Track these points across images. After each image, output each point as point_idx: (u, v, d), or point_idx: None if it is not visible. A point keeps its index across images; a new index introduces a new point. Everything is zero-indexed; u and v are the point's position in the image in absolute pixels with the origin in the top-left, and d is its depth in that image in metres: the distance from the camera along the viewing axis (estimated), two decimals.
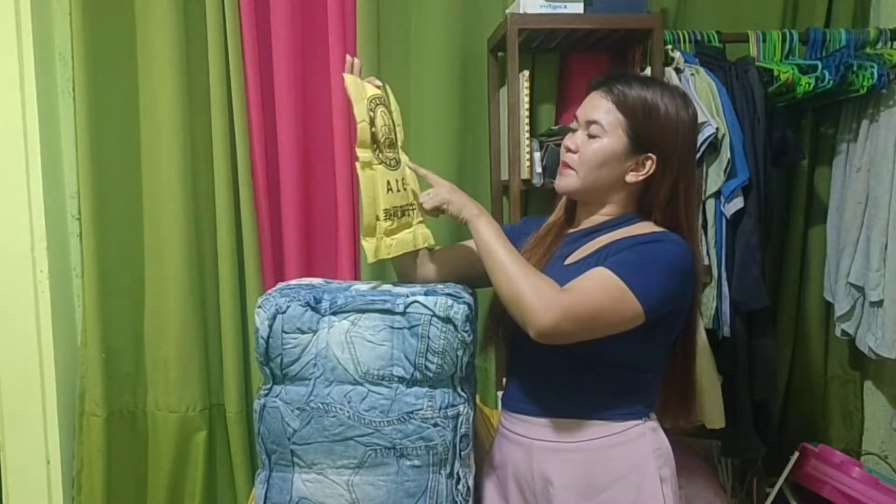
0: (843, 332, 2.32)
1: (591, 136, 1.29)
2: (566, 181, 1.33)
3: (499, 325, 1.40)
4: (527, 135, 2.00)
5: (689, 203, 1.31)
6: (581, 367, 1.27)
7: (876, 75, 2.07)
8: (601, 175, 1.30)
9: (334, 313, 1.31)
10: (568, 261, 1.33)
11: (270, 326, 1.30)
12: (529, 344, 1.20)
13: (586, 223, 1.36)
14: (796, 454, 2.29)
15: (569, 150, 1.32)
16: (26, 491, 2.18)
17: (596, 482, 1.27)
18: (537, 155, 2.04)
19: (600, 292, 1.17)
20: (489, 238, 1.26)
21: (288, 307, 1.30)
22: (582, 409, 1.28)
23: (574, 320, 1.15)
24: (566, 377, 1.29)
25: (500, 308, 1.32)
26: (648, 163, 1.28)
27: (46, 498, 2.19)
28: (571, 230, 1.40)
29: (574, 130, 1.35)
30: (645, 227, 1.30)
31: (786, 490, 2.30)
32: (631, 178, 1.30)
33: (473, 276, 1.40)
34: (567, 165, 1.32)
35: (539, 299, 1.15)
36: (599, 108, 1.29)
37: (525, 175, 2.01)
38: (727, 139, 1.97)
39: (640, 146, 1.28)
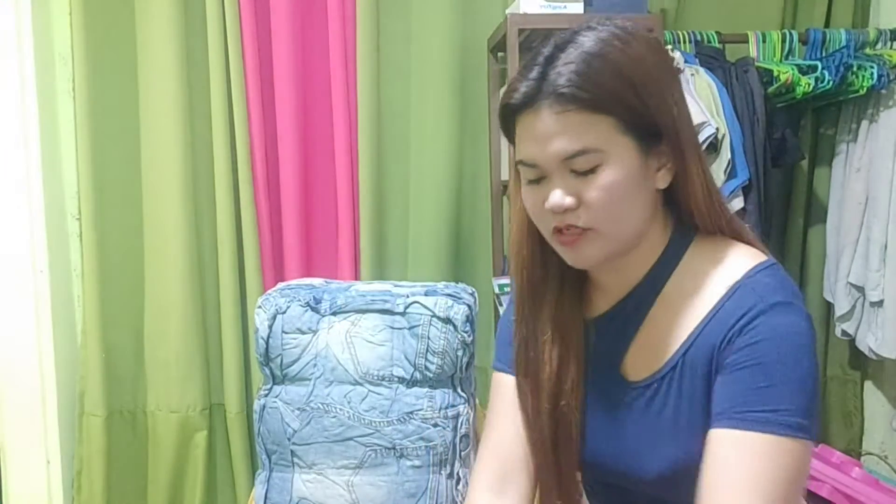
0: (843, 332, 2.32)
1: (582, 174, 0.79)
2: (589, 250, 0.82)
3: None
4: None
5: (713, 184, 0.85)
6: None
7: (876, 76, 2.07)
8: (627, 210, 0.81)
9: (334, 314, 1.31)
10: (629, 373, 0.87)
11: (270, 327, 1.30)
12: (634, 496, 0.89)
13: (615, 288, 0.88)
14: None
15: (564, 211, 0.80)
16: (26, 491, 2.18)
17: None
18: None
19: (766, 476, 0.74)
20: None
21: (288, 307, 1.31)
22: None
23: None
24: None
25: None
26: (664, 149, 0.83)
27: (46, 498, 2.19)
28: (594, 307, 0.91)
29: (530, 184, 0.85)
30: (698, 267, 0.84)
31: None
32: (661, 182, 0.84)
33: None
34: (575, 228, 0.81)
35: None
36: (571, 130, 0.78)
37: None
38: (727, 139, 1.97)
39: (648, 135, 0.81)
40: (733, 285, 0.79)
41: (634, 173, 0.80)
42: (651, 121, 0.80)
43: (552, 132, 0.78)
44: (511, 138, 0.86)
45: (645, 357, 0.85)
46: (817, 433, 0.78)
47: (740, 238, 0.85)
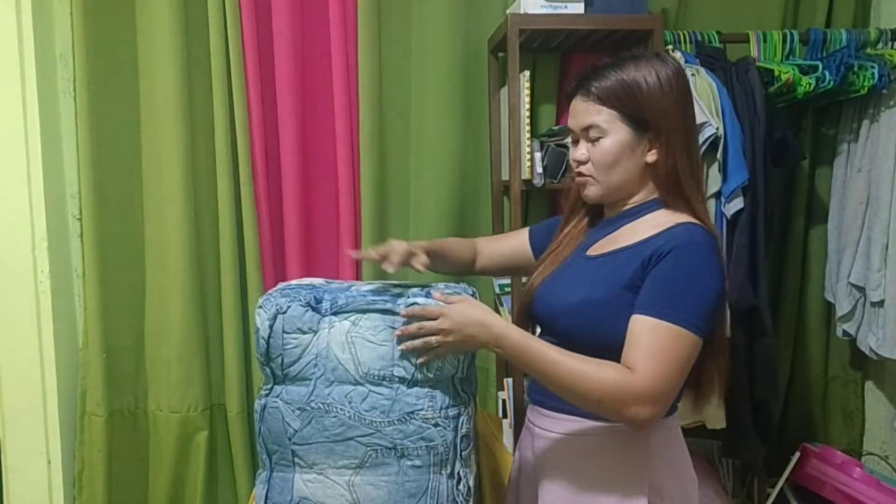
0: (844, 333, 2.32)
1: (593, 141, 1.25)
2: (589, 191, 1.29)
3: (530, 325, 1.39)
4: (527, 135, 2.00)
5: (692, 171, 1.25)
6: None
7: (876, 75, 2.07)
8: (619, 171, 1.25)
9: (335, 313, 1.31)
10: (590, 251, 1.30)
11: (271, 326, 1.30)
12: (548, 340, 1.23)
13: (610, 213, 1.34)
14: (797, 454, 2.29)
15: (579, 163, 1.28)
16: (27, 490, 2.18)
17: (583, 482, 1.24)
18: (538, 155, 2.04)
19: (662, 351, 1.11)
20: (523, 353, 1.19)
21: (289, 307, 1.30)
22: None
23: (660, 395, 1.11)
24: None
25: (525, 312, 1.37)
26: (653, 137, 1.24)
27: (47, 498, 2.19)
28: (600, 221, 1.37)
29: (573, 143, 1.32)
30: (659, 218, 1.24)
31: (787, 490, 2.30)
32: (651, 157, 1.25)
33: (518, 267, 1.52)
34: (583, 176, 1.28)
35: (619, 395, 1.11)
36: (587, 112, 1.25)
37: (526, 175, 2.01)
38: (727, 140, 1.97)
39: (644, 126, 1.23)
40: (672, 226, 1.21)
41: (625, 147, 1.24)
42: (642, 118, 1.23)
43: (579, 111, 1.27)
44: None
45: (604, 246, 1.29)
46: (707, 335, 1.16)
47: (697, 214, 1.24)
